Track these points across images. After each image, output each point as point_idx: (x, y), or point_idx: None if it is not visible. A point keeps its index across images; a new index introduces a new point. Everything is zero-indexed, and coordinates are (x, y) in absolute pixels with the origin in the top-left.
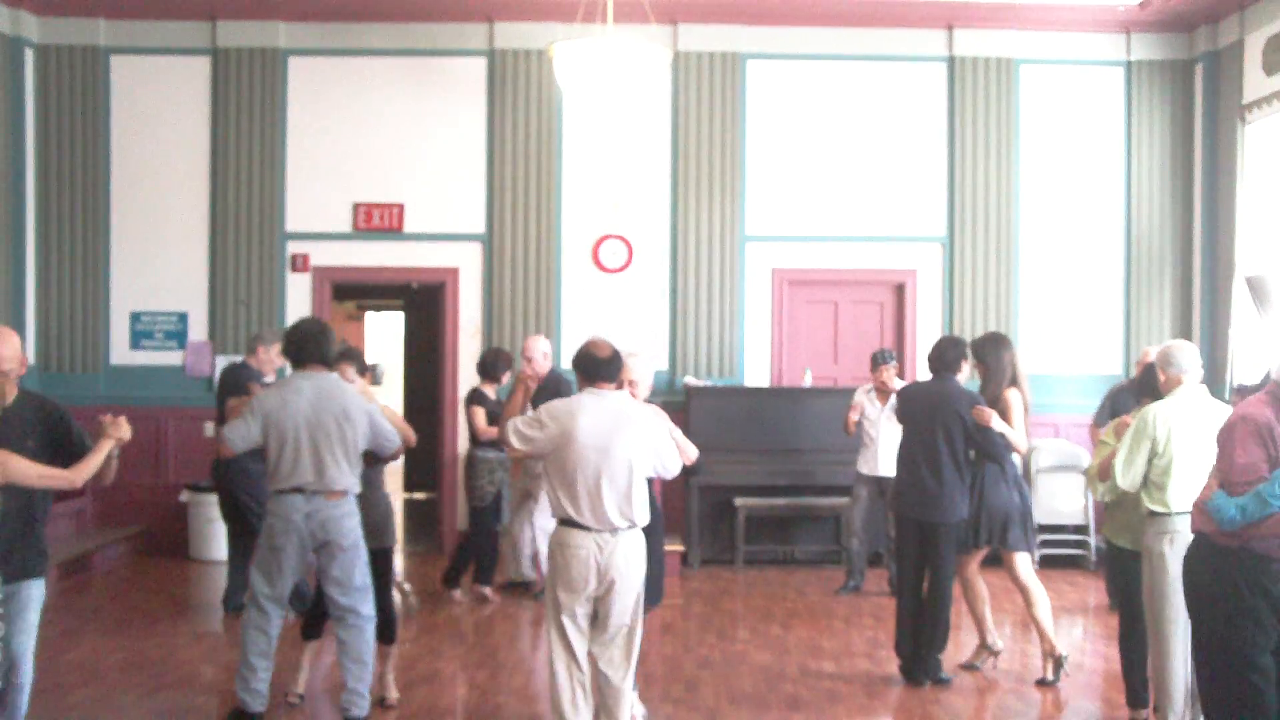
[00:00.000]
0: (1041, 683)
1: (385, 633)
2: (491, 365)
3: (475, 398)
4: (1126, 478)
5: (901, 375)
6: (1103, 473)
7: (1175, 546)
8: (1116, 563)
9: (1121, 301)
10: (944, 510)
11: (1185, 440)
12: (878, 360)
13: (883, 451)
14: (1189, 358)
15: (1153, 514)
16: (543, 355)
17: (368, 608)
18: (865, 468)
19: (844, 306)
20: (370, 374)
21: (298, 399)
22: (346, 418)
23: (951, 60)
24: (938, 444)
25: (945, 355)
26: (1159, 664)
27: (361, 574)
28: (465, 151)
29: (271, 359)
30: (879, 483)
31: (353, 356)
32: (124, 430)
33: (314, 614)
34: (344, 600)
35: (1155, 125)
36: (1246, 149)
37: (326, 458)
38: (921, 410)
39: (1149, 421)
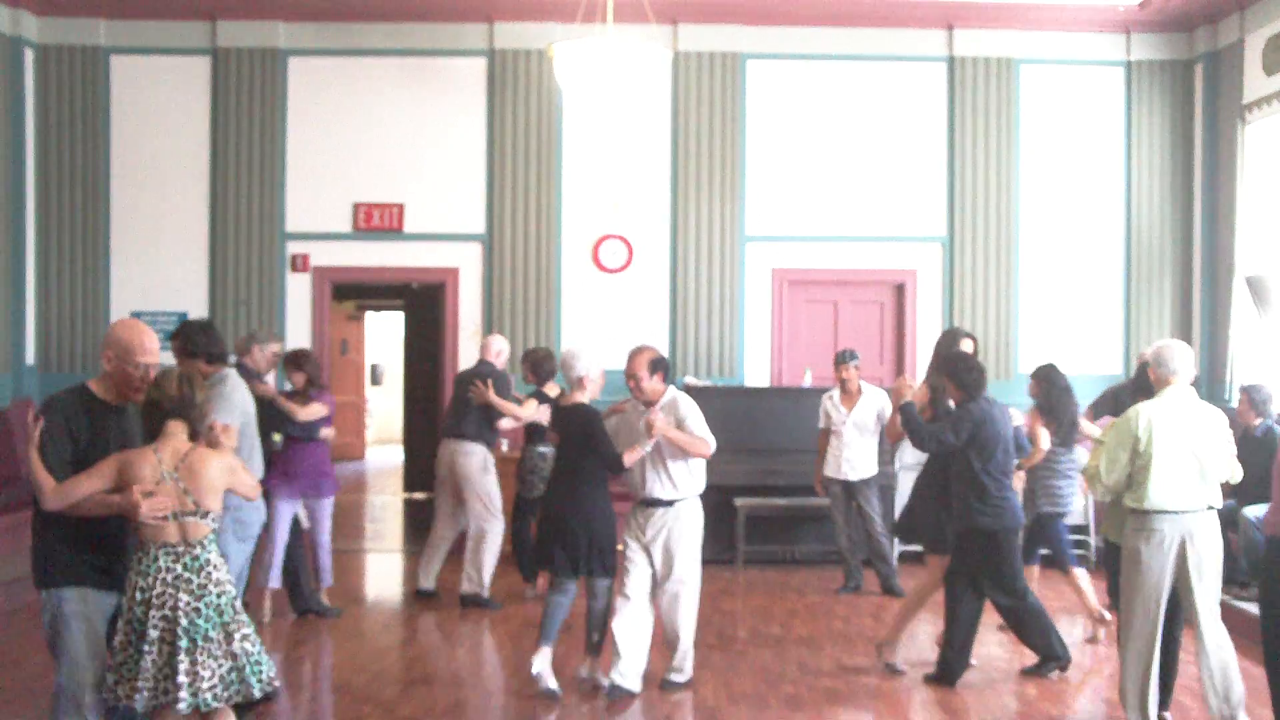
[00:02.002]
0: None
1: None
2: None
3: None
4: (1110, 476)
5: (901, 372)
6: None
7: (1152, 544)
8: (1116, 562)
9: (1121, 301)
10: (1012, 514)
11: (1167, 439)
12: (840, 360)
13: (847, 454)
14: (1180, 359)
15: (1132, 511)
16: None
17: None
18: (830, 470)
19: (844, 306)
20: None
21: (247, 395)
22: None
23: (951, 60)
24: (996, 456)
25: (979, 376)
26: (1126, 657)
27: None
28: (465, 151)
29: (267, 358)
30: (846, 485)
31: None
32: (233, 438)
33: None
34: None
35: (1155, 125)
36: (1246, 149)
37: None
38: (987, 427)
39: (1131, 420)
